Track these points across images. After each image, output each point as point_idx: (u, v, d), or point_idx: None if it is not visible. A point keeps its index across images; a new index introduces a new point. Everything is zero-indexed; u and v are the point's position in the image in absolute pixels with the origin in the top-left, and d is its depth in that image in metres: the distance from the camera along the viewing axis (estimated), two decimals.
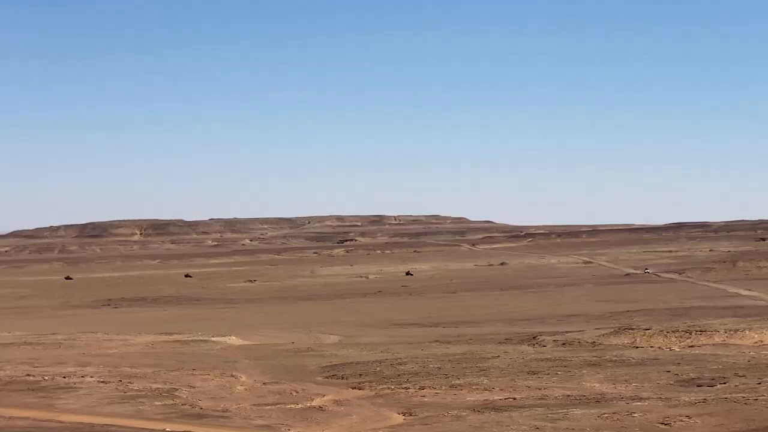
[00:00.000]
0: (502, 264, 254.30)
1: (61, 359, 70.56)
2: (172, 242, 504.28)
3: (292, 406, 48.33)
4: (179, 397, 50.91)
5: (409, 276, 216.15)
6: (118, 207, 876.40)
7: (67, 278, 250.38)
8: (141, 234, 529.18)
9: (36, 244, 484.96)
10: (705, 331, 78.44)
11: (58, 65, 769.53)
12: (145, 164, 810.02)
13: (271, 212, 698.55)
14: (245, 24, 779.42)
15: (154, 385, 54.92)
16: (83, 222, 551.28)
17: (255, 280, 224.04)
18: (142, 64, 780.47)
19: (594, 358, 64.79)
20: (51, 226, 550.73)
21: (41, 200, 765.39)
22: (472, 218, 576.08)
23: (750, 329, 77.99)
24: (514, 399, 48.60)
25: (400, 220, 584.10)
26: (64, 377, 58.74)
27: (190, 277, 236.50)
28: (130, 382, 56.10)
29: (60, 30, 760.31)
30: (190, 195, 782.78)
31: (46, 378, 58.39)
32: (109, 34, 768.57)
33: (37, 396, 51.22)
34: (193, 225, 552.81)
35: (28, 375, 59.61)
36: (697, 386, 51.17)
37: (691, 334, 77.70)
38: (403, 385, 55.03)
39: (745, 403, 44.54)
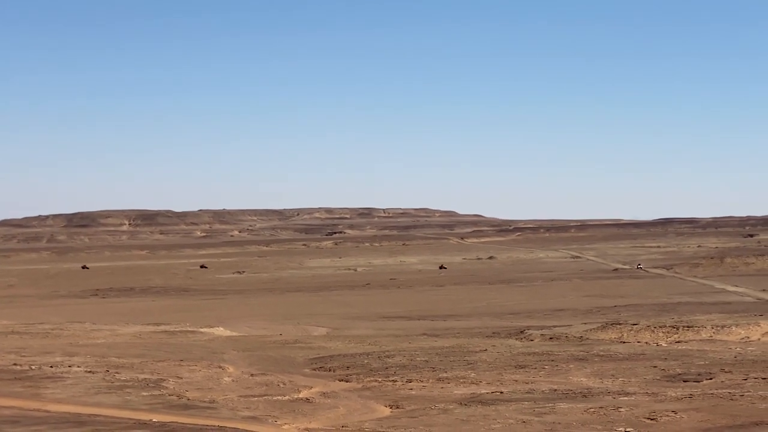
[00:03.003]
0: (490, 258, 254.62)
1: (48, 349, 70.43)
2: (161, 233, 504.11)
3: (279, 397, 48.31)
4: (166, 387, 50.86)
5: (443, 269, 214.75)
6: (107, 197, 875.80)
7: (84, 267, 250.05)
8: (130, 224, 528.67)
9: (24, 233, 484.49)
10: (692, 326, 78.62)
11: (46, 57, 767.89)
12: (134, 154, 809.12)
13: (259, 204, 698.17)
14: (238, 17, 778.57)
15: (141, 376, 54.86)
16: (72, 211, 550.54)
17: (243, 272, 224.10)
18: (132, 56, 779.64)
19: (581, 353, 64.89)
20: (39, 216, 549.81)
21: (30, 189, 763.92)
22: (461, 212, 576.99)
23: (736, 325, 78.18)
24: (501, 393, 48.62)
25: (389, 213, 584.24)
26: (51, 367, 58.62)
27: (206, 267, 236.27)
28: (117, 372, 56.01)
29: (48, 22, 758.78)
30: (179, 185, 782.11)
31: (33, 367, 58.28)
32: (99, 26, 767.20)
33: (23, 385, 51.12)
34: (181, 216, 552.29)
35: (14, 364, 59.48)
36: (684, 381, 51.27)
37: (678, 329, 77.85)
38: (391, 378, 55.05)
39: (731, 399, 44.66)
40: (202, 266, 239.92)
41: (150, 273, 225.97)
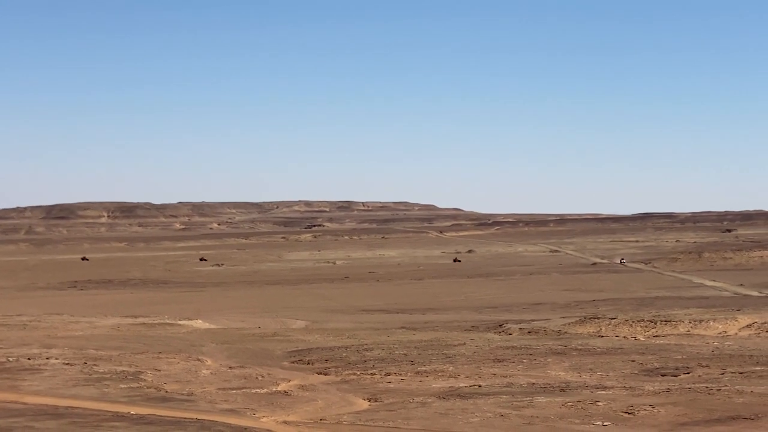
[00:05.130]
0: (469, 251, 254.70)
1: (26, 341, 70.26)
2: (140, 225, 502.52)
3: (258, 390, 48.31)
4: (144, 380, 50.82)
5: (457, 263, 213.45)
6: (86, 189, 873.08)
7: (84, 259, 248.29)
8: (108, 216, 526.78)
9: (2, 225, 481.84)
10: (670, 321, 78.85)
11: (25, 49, 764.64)
12: (114, 146, 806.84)
13: (239, 196, 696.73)
14: (220, 12, 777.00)
15: (120, 368, 54.79)
16: (50, 203, 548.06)
17: (222, 264, 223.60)
18: (112, 49, 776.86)
19: (559, 347, 65.02)
20: (17, 207, 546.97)
21: (8, 181, 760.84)
22: (440, 205, 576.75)
23: (714, 320, 78.42)
24: (480, 386, 48.71)
25: (368, 206, 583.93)
26: (29, 359, 58.50)
27: (205, 260, 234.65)
28: (95, 365, 55.93)
29: (27, 14, 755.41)
30: (159, 178, 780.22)
31: (11, 359, 58.13)
32: (81, 19, 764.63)
33: (1, 377, 51.00)
34: (160, 208, 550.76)
35: None
36: (661, 376, 51.45)
37: (656, 324, 78.07)
38: (369, 371, 55.09)
39: (708, 393, 44.83)
40: (201, 259, 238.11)
41: (128, 265, 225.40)
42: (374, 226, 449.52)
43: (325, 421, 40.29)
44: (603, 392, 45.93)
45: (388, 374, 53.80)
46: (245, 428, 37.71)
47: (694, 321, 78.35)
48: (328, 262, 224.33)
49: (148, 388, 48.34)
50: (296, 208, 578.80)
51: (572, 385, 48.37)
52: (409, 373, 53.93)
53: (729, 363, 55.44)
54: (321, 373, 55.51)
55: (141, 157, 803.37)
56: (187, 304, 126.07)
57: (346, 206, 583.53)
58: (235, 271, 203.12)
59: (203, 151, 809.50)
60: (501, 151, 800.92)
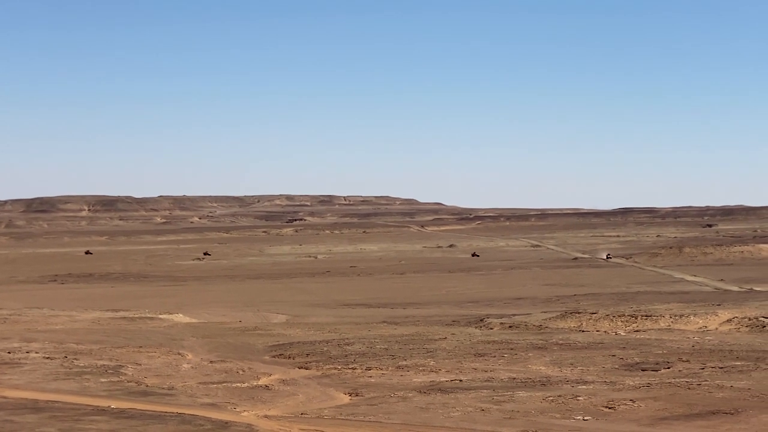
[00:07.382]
0: (450, 246, 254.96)
1: (5, 334, 70.05)
2: (121, 219, 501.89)
3: (239, 384, 48.26)
4: (125, 374, 50.72)
5: (475, 257, 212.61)
6: (66, 182, 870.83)
7: (87, 252, 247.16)
8: (89, 210, 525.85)
9: None
10: (650, 316, 79.01)
11: (6, 39, 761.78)
12: (94, 140, 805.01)
13: (220, 190, 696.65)
14: (201, 4, 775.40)
15: (100, 362, 54.68)
16: (30, 197, 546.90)
17: (204, 258, 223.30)
18: (93, 40, 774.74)
19: (540, 341, 65.09)
20: None
21: None
22: (421, 200, 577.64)
23: (695, 315, 78.61)
24: (461, 381, 48.72)
25: (349, 201, 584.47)
26: (9, 353, 58.34)
27: (209, 254, 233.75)
28: (75, 359, 55.80)
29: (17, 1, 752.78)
30: (140, 171, 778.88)
31: None
32: (61, 9, 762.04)
33: None
34: (141, 202, 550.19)
35: None
36: (642, 370, 51.53)
37: (636, 318, 78.23)
38: (350, 366, 55.06)
39: (688, 388, 44.93)
40: (205, 253, 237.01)
41: (109, 259, 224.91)
42: (355, 220, 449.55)
43: (305, 416, 40.26)
44: (583, 387, 45.99)
45: (369, 369, 53.77)
46: (226, 422, 37.65)
47: (675, 316, 78.53)
48: (310, 257, 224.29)
49: (128, 382, 48.25)
50: (277, 202, 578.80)
51: (553, 380, 48.41)
52: (390, 368, 53.92)
53: (709, 358, 55.58)
54: (302, 368, 55.47)
55: (122, 151, 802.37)
56: (168, 298, 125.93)
57: (328, 200, 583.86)
58: (217, 265, 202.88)
59: (184, 145, 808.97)
60: (482, 146, 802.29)
